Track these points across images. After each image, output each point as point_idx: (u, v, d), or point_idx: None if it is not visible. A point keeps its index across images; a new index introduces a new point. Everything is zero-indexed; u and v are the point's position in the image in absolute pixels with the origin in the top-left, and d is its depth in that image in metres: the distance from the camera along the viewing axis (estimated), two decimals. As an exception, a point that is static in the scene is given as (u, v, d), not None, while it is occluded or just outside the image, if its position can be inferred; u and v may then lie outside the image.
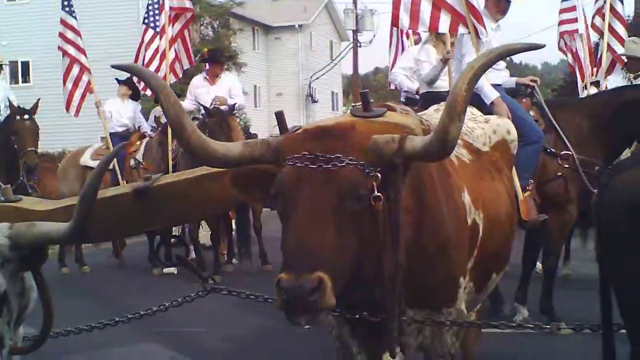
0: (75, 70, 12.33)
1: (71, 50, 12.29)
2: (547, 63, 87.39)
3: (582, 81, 12.34)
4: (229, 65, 12.39)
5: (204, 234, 13.08)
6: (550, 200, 7.45)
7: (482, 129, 4.52)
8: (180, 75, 12.69)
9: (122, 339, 7.19)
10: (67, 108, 12.61)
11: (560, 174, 7.40)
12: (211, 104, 11.36)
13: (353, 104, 3.83)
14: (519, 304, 7.87)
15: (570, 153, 7.33)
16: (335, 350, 3.91)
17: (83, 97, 12.44)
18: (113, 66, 3.25)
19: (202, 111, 11.66)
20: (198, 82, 12.33)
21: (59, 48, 12.42)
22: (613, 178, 3.41)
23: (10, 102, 11.44)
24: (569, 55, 12.51)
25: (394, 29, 11.55)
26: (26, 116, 11.26)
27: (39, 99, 11.80)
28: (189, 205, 3.80)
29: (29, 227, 3.28)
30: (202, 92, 12.02)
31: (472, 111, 4.54)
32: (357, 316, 3.34)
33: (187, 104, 11.92)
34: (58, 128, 25.76)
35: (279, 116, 3.62)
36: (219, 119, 10.91)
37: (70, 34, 12.32)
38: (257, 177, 3.14)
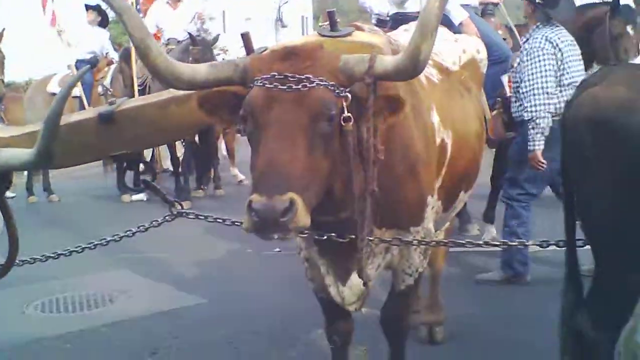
0: None
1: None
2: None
3: None
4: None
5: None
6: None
7: (451, 48, 4.49)
8: None
9: (90, 266, 7.20)
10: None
11: None
12: (193, 18, 11.19)
13: (320, 24, 3.77)
14: (487, 223, 7.96)
15: None
16: (304, 271, 3.94)
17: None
18: None
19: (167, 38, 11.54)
20: (158, 7, 12.08)
21: None
22: (578, 95, 3.41)
23: None
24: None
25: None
26: None
27: (4, 29, 11.51)
28: (155, 130, 3.73)
29: (-8, 154, 3.21)
30: (163, 17, 11.81)
31: (441, 30, 4.49)
32: (325, 237, 3.34)
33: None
34: (23, 57, 25.27)
35: (245, 37, 3.55)
36: (205, 49, 10.73)
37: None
38: (224, 98, 3.09)
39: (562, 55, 6.07)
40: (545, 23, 6.25)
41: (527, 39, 6.40)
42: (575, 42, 6.26)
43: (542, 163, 5.99)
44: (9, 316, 6.17)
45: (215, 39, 11.47)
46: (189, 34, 11.09)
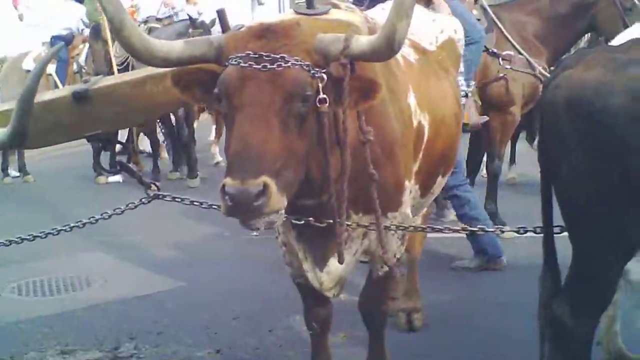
0: None
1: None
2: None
3: None
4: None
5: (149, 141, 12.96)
6: (492, 102, 7.45)
7: (428, 28, 4.45)
8: None
9: (66, 249, 7.17)
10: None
11: (501, 74, 7.38)
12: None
13: (297, 1, 3.71)
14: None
15: (512, 53, 7.31)
16: (282, 255, 3.90)
17: None
18: None
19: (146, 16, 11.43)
20: None
21: None
22: (555, 77, 3.39)
23: None
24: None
25: None
26: None
27: None
28: (130, 109, 3.68)
29: (-36, 133, 3.16)
30: None
31: (418, 10, 4.44)
32: (303, 222, 3.30)
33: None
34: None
35: (221, 14, 3.49)
36: (205, 33, 10.60)
37: None
38: (198, 76, 3.04)
39: None
40: None
41: None
42: None
43: None
44: (-16, 299, 6.11)
45: (213, 22, 11.35)
46: (189, 16, 10.98)
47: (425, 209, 4.85)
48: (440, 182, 4.39)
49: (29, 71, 11.36)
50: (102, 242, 7.67)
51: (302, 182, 2.95)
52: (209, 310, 5.74)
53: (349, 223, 3.33)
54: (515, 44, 7.20)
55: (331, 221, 3.17)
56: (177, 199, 3.84)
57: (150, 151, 12.93)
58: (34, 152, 12.46)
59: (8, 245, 4.03)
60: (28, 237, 3.99)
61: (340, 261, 3.27)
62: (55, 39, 12.01)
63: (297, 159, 2.85)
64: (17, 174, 12.77)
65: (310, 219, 3.28)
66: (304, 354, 4.34)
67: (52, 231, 3.97)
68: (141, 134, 12.67)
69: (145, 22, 11.48)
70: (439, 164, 4.17)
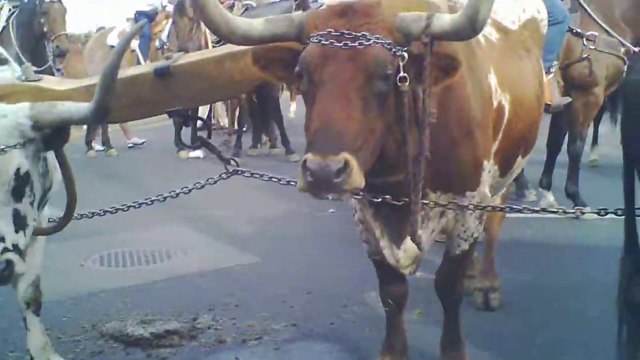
0: None
1: None
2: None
3: None
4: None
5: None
6: (575, 83, 7.32)
7: (511, 7, 4.38)
8: None
9: (146, 222, 7.31)
10: None
11: (585, 55, 7.24)
12: None
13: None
14: (543, 189, 7.86)
15: (596, 34, 7.17)
16: (359, 233, 3.92)
17: None
18: None
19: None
20: None
21: None
22: (638, 61, 3.32)
23: None
24: None
25: None
26: None
27: None
28: (210, 86, 3.72)
29: (50, 107, 3.24)
30: None
31: (501, -12, 4.39)
32: (379, 200, 3.31)
33: None
34: (83, 10, 25.51)
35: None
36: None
37: None
38: (279, 54, 3.07)
39: None
40: None
41: None
42: None
43: None
44: (68, 269, 6.27)
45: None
46: None
47: (504, 189, 4.81)
48: (520, 162, 4.34)
49: (113, 47, 11.57)
50: (183, 215, 7.81)
51: (380, 160, 2.96)
52: (285, 285, 5.80)
53: (425, 202, 3.32)
54: (603, 24, 7.06)
55: (407, 199, 3.18)
56: (255, 175, 3.89)
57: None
58: (118, 126, 12.74)
59: (91, 217, 4.15)
60: (111, 210, 4.10)
61: (414, 240, 3.27)
62: (139, 14, 12.21)
63: (376, 137, 2.86)
64: (101, 147, 13.05)
65: (387, 197, 3.28)
66: (379, 331, 4.35)
67: (134, 204, 4.07)
68: (221, 110, 12.78)
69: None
70: (519, 145, 4.12)
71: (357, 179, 2.70)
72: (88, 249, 6.85)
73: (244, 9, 10.99)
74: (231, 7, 11.22)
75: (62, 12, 10.89)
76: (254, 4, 11.34)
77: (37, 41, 10.83)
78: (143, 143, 13.47)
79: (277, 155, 11.97)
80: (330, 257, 6.49)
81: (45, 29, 10.66)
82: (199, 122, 11.54)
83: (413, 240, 3.29)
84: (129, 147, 13.40)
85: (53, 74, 10.44)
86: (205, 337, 4.90)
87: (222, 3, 11.27)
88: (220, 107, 13.55)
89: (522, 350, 4.57)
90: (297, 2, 10.51)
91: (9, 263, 3.16)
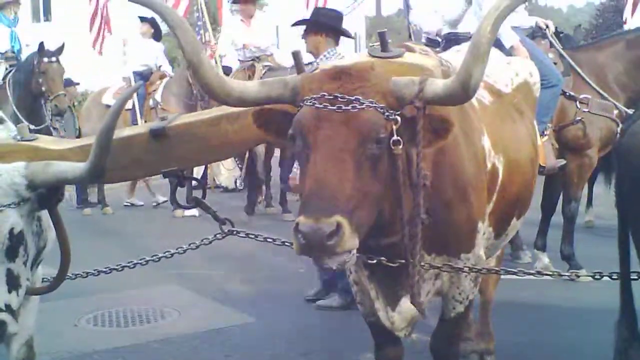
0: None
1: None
2: (572, 6, 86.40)
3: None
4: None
5: (226, 177, 13.12)
6: (569, 145, 7.39)
7: (504, 71, 4.43)
8: None
9: (141, 281, 7.28)
10: (94, 45, 12.59)
11: (579, 118, 7.31)
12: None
13: (371, 44, 3.74)
14: (538, 251, 7.85)
15: (590, 97, 7.25)
16: (354, 294, 3.90)
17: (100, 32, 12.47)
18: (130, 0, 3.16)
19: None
20: (234, 25, 12.28)
21: None
22: (630, 125, 3.35)
23: (40, 42, 10.82)
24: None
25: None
26: (53, 58, 10.75)
27: (63, 43, 11.57)
28: (205, 146, 3.74)
29: (45, 167, 3.25)
30: (238, 34, 11.87)
31: (493, 53, 4.43)
32: (375, 261, 3.31)
33: (221, 48, 11.90)
34: (80, 68, 25.75)
35: (296, 56, 3.54)
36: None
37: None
38: (275, 116, 3.10)
39: None
40: None
41: None
42: None
43: None
44: (61, 329, 6.23)
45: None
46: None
47: (499, 251, 4.81)
48: (515, 224, 4.34)
49: (108, 106, 11.66)
50: (177, 275, 7.78)
51: (375, 222, 2.95)
52: (281, 346, 5.77)
53: (422, 263, 3.32)
54: (596, 87, 7.16)
55: (404, 261, 3.17)
56: (250, 235, 3.89)
57: (227, 187, 13.13)
58: (114, 185, 12.74)
59: (85, 277, 4.13)
60: (105, 270, 4.09)
61: (414, 303, 3.25)
62: (135, 74, 12.33)
63: (370, 200, 2.86)
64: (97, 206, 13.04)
65: (383, 258, 3.28)
66: (374, 393, 4.31)
67: (128, 264, 4.06)
68: (217, 169, 12.83)
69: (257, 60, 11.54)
70: (513, 206, 4.13)
71: (350, 241, 2.69)
72: (82, 309, 6.80)
73: (265, 69, 11.11)
74: (252, 68, 11.32)
75: (60, 71, 10.88)
76: (273, 65, 11.43)
77: (35, 100, 10.78)
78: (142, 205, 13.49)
79: (273, 214, 11.96)
80: (326, 317, 6.45)
81: (43, 89, 10.68)
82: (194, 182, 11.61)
83: (414, 303, 3.26)
84: (125, 205, 13.39)
85: (50, 134, 10.47)
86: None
87: (242, 63, 11.47)
88: (215, 166, 13.60)
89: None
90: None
91: (2, 323, 3.13)
